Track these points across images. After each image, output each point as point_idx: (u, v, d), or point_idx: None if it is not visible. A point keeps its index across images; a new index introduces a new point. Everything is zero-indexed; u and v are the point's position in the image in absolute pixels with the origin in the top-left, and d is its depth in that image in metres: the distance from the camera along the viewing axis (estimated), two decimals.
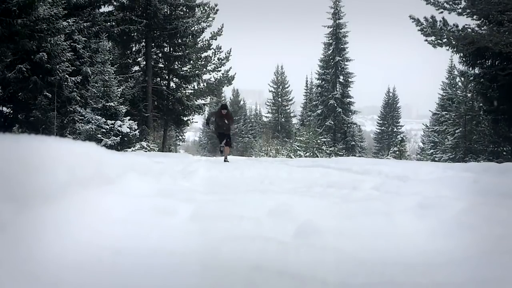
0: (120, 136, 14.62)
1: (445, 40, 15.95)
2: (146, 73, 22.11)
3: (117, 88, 15.47)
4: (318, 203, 1.41)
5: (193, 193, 1.56)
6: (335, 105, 33.83)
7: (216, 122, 10.32)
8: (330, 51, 35.03)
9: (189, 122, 25.35)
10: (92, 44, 16.04)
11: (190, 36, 22.96)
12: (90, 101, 14.57)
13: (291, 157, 23.05)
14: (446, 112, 28.43)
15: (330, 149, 29.54)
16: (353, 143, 33.84)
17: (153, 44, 22.88)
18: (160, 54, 23.86)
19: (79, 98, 14.72)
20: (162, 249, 0.82)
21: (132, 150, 14.50)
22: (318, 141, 28.12)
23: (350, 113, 34.99)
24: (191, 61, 23.94)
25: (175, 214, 1.13)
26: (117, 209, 1.06)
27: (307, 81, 45.66)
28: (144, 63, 22.82)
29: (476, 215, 1.02)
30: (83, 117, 14.24)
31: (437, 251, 0.88)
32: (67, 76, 13.81)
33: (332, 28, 34.78)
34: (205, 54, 24.51)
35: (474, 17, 16.19)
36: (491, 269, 0.72)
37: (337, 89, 34.44)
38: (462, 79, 23.79)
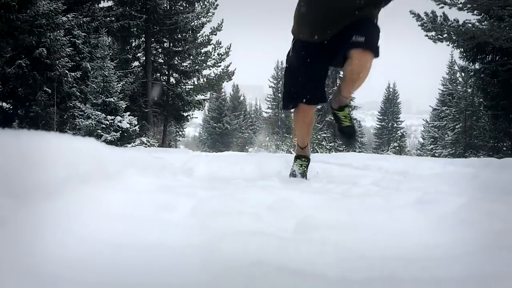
0: (120, 132, 14.62)
1: (446, 35, 15.94)
2: (146, 68, 22.09)
3: (117, 84, 15.46)
4: (318, 199, 1.41)
5: (193, 189, 1.56)
6: None
7: None
8: None
9: (189, 117, 25.37)
10: (92, 39, 16.02)
11: (190, 31, 22.93)
12: (90, 97, 14.56)
13: (291, 153, 23.05)
14: (446, 108, 28.44)
15: (330, 144, 29.55)
16: None
17: (152, 39, 22.85)
18: (159, 50, 23.85)
19: (78, 94, 14.71)
20: (162, 245, 0.82)
21: (132, 146, 14.52)
22: (318, 136, 28.10)
23: (350, 109, 34.91)
24: (191, 57, 23.93)
25: (175, 210, 1.13)
26: (117, 205, 1.06)
27: None
28: (144, 58, 22.80)
29: (476, 210, 1.02)
30: (83, 113, 14.24)
31: (437, 247, 0.88)
32: (67, 71, 13.80)
33: None
34: (205, 49, 24.49)
35: (475, 12, 16.17)
36: (490, 264, 0.72)
37: (337, 85, 34.38)
38: (463, 74, 23.78)
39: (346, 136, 2.71)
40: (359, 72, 2.51)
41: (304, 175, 3.02)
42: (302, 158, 3.12)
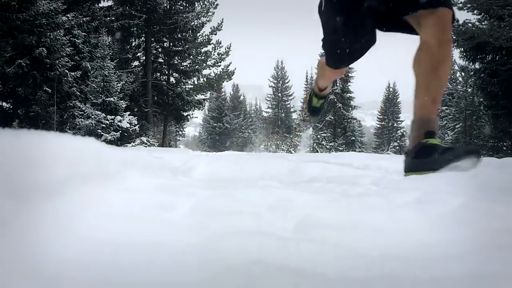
0: (120, 131, 14.64)
1: None
2: (146, 68, 22.11)
3: (117, 83, 15.49)
4: (318, 198, 1.41)
5: (193, 188, 1.57)
6: (335, 100, 33.80)
7: None
8: None
9: (189, 117, 25.39)
10: (92, 39, 16.04)
11: (190, 31, 22.97)
12: (90, 96, 14.59)
13: (291, 153, 23.09)
14: (446, 107, 28.47)
15: (330, 144, 29.59)
16: (353, 138, 33.85)
17: (152, 39, 22.87)
18: (159, 49, 23.89)
19: (78, 93, 14.73)
20: (162, 244, 0.83)
21: (132, 145, 14.52)
22: (318, 136, 28.12)
23: (350, 108, 34.96)
24: (191, 56, 23.97)
25: (175, 209, 1.13)
26: (117, 204, 1.06)
27: (307, 76, 45.59)
28: (144, 58, 22.80)
29: (475, 210, 1.03)
30: (82, 112, 14.25)
31: (436, 246, 0.88)
32: (67, 71, 13.82)
33: None
34: (205, 49, 24.56)
35: (475, 11, 16.17)
36: (489, 264, 0.73)
37: (337, 84, 34.40)
38: (463, 74, 23.80)
39: (466, 153, 1.59)
40: (440, 43, 1.75)
41: (322, 107, 2.99)
42: (320, 97, 2.95)
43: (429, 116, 1.86)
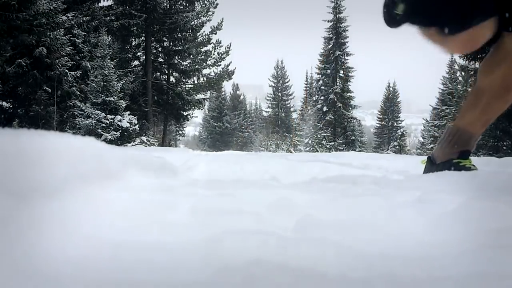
0: (120, 131, 14.65)
1: None
2: (146, 67, 22.11)
3: (117, 83, 15.49)
4: (318, 198, 1.41)
5: (193, 188, 1.57)
6: (335, 99, 33.79)
7: None
8: (330, 45, 35.00)
9: (189, 117, 25.39)
10: (92, 38, 16.05)
11: (190, 31, 22.97)
12: (90, 96, 14.59)
13: (292, 152, 23.11)
14: (446, 107, 28.47)
15: (330, 143, 29.58)
16: (353, 137, 33.84)
17: (152, 38, 22.87)
18: (159, 49, 23.89)
19: (78, 93, 14.74)
20: (162, 244, 0.83)
21: (132, 145, 14.53)
22: (318, 136, 28.13)
23: (350, 108, 34.96)
24: (191, 56, 23.96)
25: (175, 209, 1.13)
26: (117, 204, 1.06)
27: (307, 75, 45.60)
28: (144, 57, 22.80)
29: (474, 209, 1.03)
30: (82, 112, 14.25)
31: (436, 245, 0.88)
32: (67, 70, 13.82)
33: (332, 23, 34.72)
34: (205, 48, 24.53)
35: None
36: (488, 263, 0.73)
37: (337, 84, 34.40)
38: (463, 73, 23.78)
39: None
40: None
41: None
42: None
43: (473, 136, 1.80)
